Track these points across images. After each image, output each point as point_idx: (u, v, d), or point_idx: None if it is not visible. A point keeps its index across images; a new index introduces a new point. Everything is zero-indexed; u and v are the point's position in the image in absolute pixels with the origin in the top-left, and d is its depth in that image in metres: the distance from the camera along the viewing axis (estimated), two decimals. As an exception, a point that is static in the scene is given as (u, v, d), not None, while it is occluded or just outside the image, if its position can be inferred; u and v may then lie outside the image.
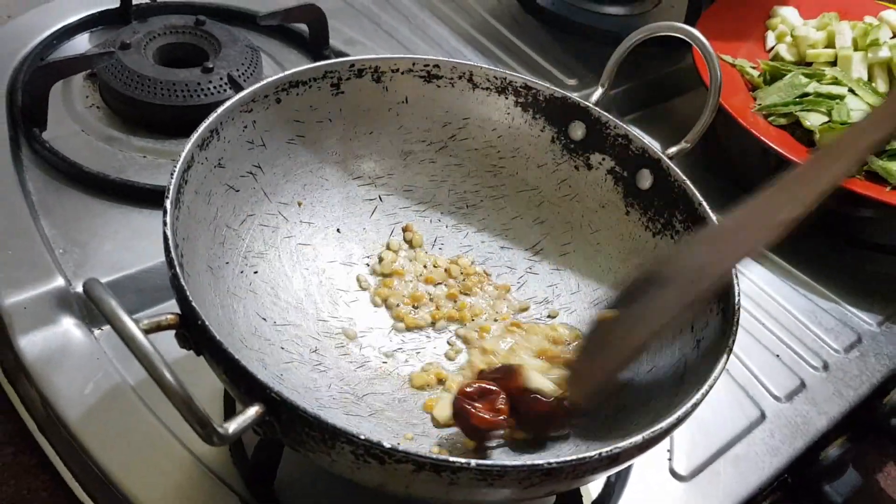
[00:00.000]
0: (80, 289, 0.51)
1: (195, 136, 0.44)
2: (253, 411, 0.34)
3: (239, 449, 0.46)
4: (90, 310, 0.51)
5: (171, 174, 0.41)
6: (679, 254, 0.44)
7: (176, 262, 0.37)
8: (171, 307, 0.52)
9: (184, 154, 0.43)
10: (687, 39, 0.53)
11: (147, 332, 0.33)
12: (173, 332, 0.37)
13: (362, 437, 0.33)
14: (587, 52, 0.82)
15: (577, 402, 0.44)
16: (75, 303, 0.51)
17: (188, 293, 0.36)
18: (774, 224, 0.40)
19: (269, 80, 0.49)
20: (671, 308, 0.42)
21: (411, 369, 0.49)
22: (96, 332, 0.51)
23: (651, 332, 0.43)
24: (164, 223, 0.39)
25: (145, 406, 0.47)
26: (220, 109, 0.46)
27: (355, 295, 0.53)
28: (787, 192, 0.41)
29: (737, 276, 0.45)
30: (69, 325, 0.50)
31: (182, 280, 0.36)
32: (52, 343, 0.49)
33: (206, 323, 0.35)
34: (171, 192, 0.41)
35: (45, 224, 0.55)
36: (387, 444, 0.33)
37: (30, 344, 0.48)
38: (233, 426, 0.33)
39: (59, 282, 0.51)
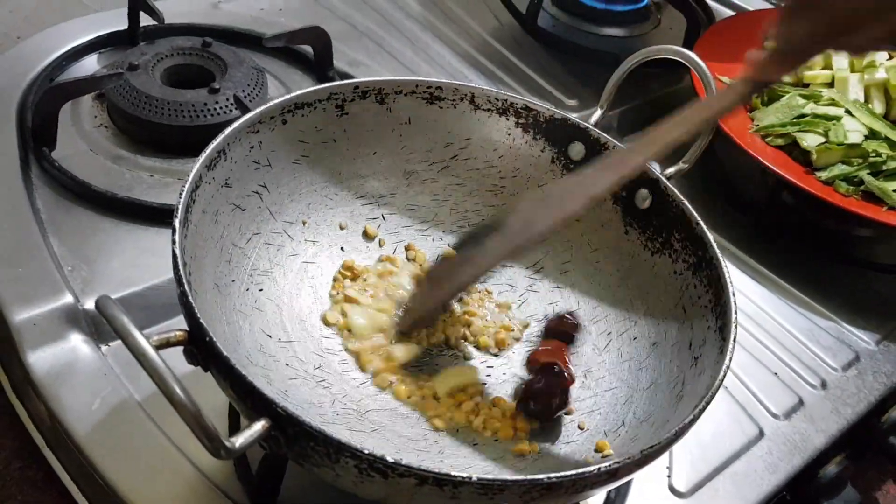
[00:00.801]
0: (88, 305, 0.52)
1: (203, 156, 0.45)
2: (259, 426, 0.34)
3: (243, 464, 0.47)
4: (98, 326, 0.52)
5: (180, 194, 0.42)
6: (511, 210, 0.50)
7: (184, 280, 0.38)
8: (177, 324, 0.53)
9: (192, 174, 0.44)
10: (684, 62, 0.54)
11: (157, 348, 0.33)
12: (181, 348, 0.38)
13: (366, 451, 0.34)
14: (587, 73, 0.83)
15: (404, 327, 0.52)
16: (83, 319, 0.52)
17: (196, 310, 0.37)
18: (589, 196, 0.47)
19: (276, 101, 0.50)
20: (496, 254, 0.48)
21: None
22: (104, 348, 0.51)
23: (475, 273, 0.50)
24: (173, 242, 0.40)
25: (152, 421, 0.48)
26: (227, 130, 0.47)
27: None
28: (602, 172, 0.47)
29: (733, 294, 0.46)
30: (77, 342, 0.51)
31: (190, 297, 0.37)
32: (61, 359, 0.50)
33: (214, 339, 0.36)
34: (179, 211, 0.41)
35: (54, 241, 0.56)
36: (390, 459, 0.34)
37: (39, 360, 0.49)
38: (240, 440, 0.33)
39: (68, 298, 0.52)
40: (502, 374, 0.52)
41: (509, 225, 0.48)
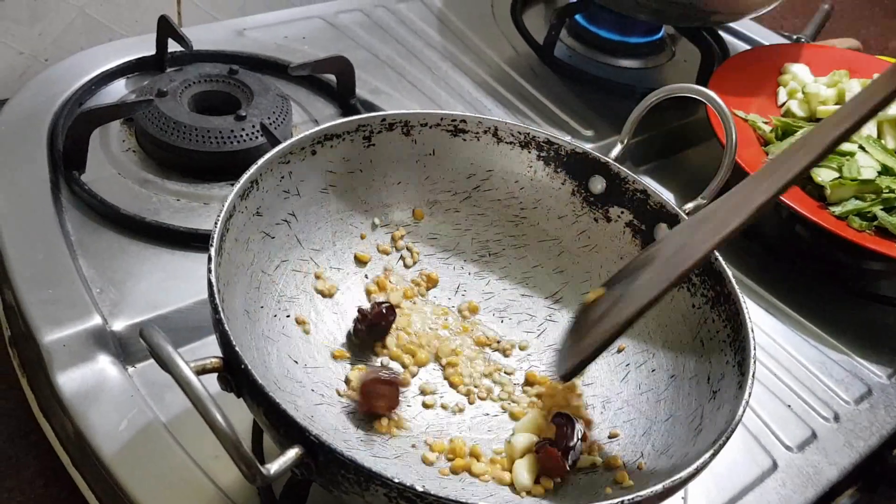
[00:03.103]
0: (116, 327, 0.53)
1: (237, 186, 0.46)
2: (293, 453, 0.35)
3: (266, 487, 0.48)
4: (125, 348, 0.53)
5: (215, 223, 0.43)
6: (662, 240, 0.48)
7: (220, 308, 0.39)
8: (201, 346, 0.55)
9: (227, 204, 0.45)
10: (704, 101, 0.55)
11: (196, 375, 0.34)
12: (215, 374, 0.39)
13: (396, 480, 0.35)
14: (602, 104, 0.85)
15: (563, 378, 0.49)
16: (111, 341, 0.53)
17: (232, 338, 0.38)
18: (747, 211, 0.43)
19: (306, 133, 0.51)
20: (655, 286, 0.45)
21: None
22: (130, 369, 0.52)
23: (636, 309, 0.45)
24: (209, 270, 0.41)
25: (177, 443, 0.49)
26: (260, 161, 0.48)
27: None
28: (757, 183, 0.44)
29: (752, 330, 0.46)
30: (105, 363, 0.52)
31: (226, 326, 0.38)
32: (89, 380, 0.50)
33: (249, 367, 0.37)
34: (215, 239, 0.42)
35: (83, 264, 0.57)
36: (419, 488, 0.35)
37: (67, 380, 0.50)
38: (274, 467, 0.34)
39: (97, 320, 0.53)
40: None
41: (661, 254, 0.45)
